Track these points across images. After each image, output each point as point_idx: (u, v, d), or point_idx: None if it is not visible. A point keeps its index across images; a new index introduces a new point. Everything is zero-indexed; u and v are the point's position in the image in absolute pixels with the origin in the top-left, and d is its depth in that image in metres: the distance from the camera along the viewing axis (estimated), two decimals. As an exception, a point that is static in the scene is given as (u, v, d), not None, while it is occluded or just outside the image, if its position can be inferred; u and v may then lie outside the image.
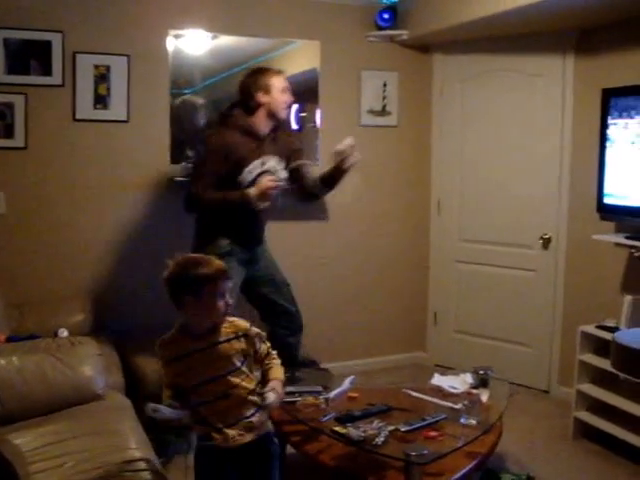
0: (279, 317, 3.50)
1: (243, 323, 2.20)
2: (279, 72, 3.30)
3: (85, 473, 2.20)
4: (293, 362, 3.34)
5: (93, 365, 2.84)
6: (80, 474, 2.20)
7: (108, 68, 3.67)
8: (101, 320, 3.67)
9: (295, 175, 3.45)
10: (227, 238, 3.23)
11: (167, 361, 2.14)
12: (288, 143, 3.47)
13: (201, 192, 3.15)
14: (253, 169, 3.20)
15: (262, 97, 3.20)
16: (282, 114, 3.28)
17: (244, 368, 2.16)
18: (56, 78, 3.57)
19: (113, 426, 2.57)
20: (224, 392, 2.11)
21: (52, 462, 2.27)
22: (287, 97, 3.26)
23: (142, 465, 2.28)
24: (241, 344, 2.15)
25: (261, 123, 3.24)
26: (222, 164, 3.14)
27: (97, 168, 3.76)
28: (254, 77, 3.24)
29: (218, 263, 2.14)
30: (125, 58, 3.70)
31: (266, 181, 3.15)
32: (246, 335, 2.17)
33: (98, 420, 2.60)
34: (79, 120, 3.67)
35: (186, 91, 3.93)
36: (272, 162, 3.28)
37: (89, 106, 3.67)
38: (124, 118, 3.76)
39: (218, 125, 3.30)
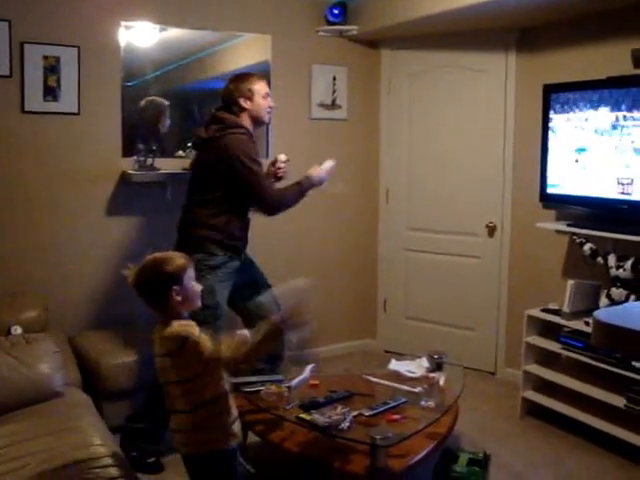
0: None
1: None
2: (261, 78, 3.28)
3: (49, 473, 2.08)
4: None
5: (50, 362, 2.71)
6: (44, 475, 2.08)
7: (58, 59, 3.47)
8: (54, 316, 3.50)
9: None
10: (221, 248, 3.06)
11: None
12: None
13: (275, 193, 3.11)
14: None
15: (245, 103, 3.13)
16: (265, 118, 3.23)
17: None
18: (3, 68, 3.35)
19: (75, 423, 2.46)
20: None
21: (13, 464, 2.14)
22: (269, 102, 3.22)
23: (109, 461, 2.18)
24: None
25: (249, 127, 3.17)
26: (259, 163, 3.09)
27: (47, 161, 3.57)
28: (236, 83, 3.17)
29: (179, 253, 2.18)
30: (75, 49, 3.51)
31: (320, 167, 3.24)
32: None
33: (59, 418, 2.48)
34: (28, 112, 3.47)
35: (135, 82, 3.78)
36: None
37: (38, 98, 3.46)
38: (75, 110, 3.58)
39: (232, 130, 3.07)
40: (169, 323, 2.02)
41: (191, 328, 2.01)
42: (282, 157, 3.35)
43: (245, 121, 3.15)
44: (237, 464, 2.18)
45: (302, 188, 3.18)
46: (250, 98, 3.14)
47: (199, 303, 2.14)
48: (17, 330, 3.04)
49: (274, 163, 3.35)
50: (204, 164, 3.14)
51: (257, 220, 3.39)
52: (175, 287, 2.04)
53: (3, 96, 3.42)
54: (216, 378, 2.06)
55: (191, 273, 2.11)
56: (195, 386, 2.01)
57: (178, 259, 2.11)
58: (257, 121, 3.20)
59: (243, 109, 3.14)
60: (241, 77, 3.22)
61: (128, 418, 3.01)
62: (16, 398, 2.52)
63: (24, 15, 3.40)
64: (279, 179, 3.34)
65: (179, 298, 2.04)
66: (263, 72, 4.14)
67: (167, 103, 3.87)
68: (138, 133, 3.79)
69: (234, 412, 2.15)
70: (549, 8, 3.45)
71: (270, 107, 3.23)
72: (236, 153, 3.00)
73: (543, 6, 3.42)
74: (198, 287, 2.13)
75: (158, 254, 2.14)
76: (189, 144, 3.82)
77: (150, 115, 3.85)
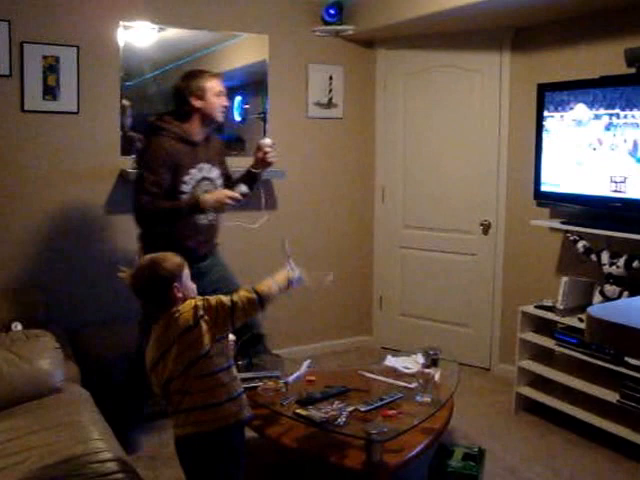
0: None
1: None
2: (214, 75, 3.08)
3: (49, 468, 2.09)
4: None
5: (50, 358, 2.72)
6: (44, 469, 2.09)
7: (57, 59, 3.48)
8: (54, 313, 3.52)
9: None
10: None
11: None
12: (219, 145, 3.27)
13: (149, 203, 2.89)
14: (191, 178, 3.00)
15: (196, 102, 2.97)
16: (218, 118, 3.06)
17: None
18: (3, 68, 3.37)
19: (74, 418, 2.47)
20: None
21: (13, 458, 2.16)
22: (223, 100, 3.04)
23: (107, 455, 2.19)
24: None
25: (196, 129, 3.01)
26: (163, 173, 2.90)
27: (47, 159, 3.58)
28: (187, 81, 3.00)
29: (171, 253, 2.20)
30: (74, 49, 3.52)
31: (225, 192, 2.99)
32: None
33: (58, 413, 2.49)
34: (28, 111, 3.48)
35: (134, 82, 3.79)
36: (206, 168, 3.08)
37: (38, 97, 3.48)
38: (74, 109, 3.59)
39: (152, 134, 2.99)
40: (175, 310, 2.06)
41: (194, 300, 2.09)
42: (267, 141, 3.17)
43: (192, 122, 3.00)
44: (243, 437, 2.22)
45: (183, 208, 2.96)
46: (201, 97, 2.97)
47: (193, 295, 2.16)
48: (17, 326, 3.06)
49: (259, 148, 3.16)
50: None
51: (252, 217, 3.40)
52: (176, 284, 2.08)
53: (3, 95, 3.43)
54: (226, 346, 2.13)
55: (187, 271, 2.16)
56: (211, 355, 2.04)
57: (175, 258, 2.15)
58: (209, 120, 3.04)
59: (194, 108, 2.98)
60: (192, 74, 3.05)
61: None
62: (16, 394, 2.53)
63: (24, 15, 3.41)
64: (268, 164, 3.18)
65: (180, 295, 2.09)
66: (259, 71, 4.18)
67: (128, 103, 3.78)
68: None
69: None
70: (543, 8, 3.47)
71: (223, 106, 3.06)
72: (142, 156, 3.00)
73: (537, 6, 3.43)
74: (193, 286, 2.17)
75: (154, 255, 2.18)
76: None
77: None
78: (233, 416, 2.08)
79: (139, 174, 2.97)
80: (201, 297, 2.12)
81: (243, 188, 3.09)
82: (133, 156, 3.72)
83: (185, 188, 2.97)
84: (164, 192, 2.92)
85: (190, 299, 2.10)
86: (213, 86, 3.01)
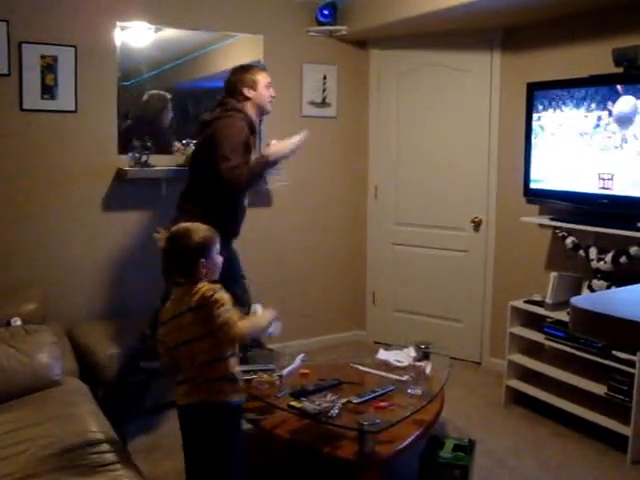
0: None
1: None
2: (263, 69, 3.32)
3: (48, 459, 2.12)
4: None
5: (49, 352, 2.74)
6: (43, 459, 2.11)
7: (55, 58, 3.49)
8: (51, 308, 3.53)
9: None
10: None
11: None
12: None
13: (239, 172, 2.92)
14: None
15: (249, 92, 3.17)
16: (268, 107, 3.27)
17: None
18: (1, 67, 3.37)
19: (72, 410, 2.49)
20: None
21: (14, 449, 2.18)
22: (271, 91, 3.25)
23: (106, 447, 2.21)
24: None
25: (253, 116, 3.20)
26: (241, 147, 2.99)
27: (45, 158, 3.59)
28: (240, 74, 3.21)
29: (206, 225, 2.22)
30: (72, 49, 3.53)
31: (280, 143, 3.10)
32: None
33: (57, 406, 2.51)
34: (26, 110, 3.49)
35: (131, 82, 3.80)
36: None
37: (36, 96, 3.49)
38: (72, 108, 3.60)
39: (228, 113, 3.07)
40: (195, 285, 2.10)
41: (218, 289, 2.11)
42: (274, 142, 3.21)
43: (249, 110, 3.18)
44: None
45: (261, 167, 3.05)
46: (253, 87, 3.18)
47: (217, 276, 2.23)
48: (17, 322, 3.07)
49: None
50: (197, 146, 3.26)
51: (248, 214, 3.43)
52: (202, 260, 2.14)
53: (2, 94, 3.44)
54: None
55: (217, 246, 2.21)
56: (217, 339, 2.09)
57: (206, 231, 2.19)
58: (260, 109, 3.25)
59: (247, 98, 3.17)
60: (244, 68, 3.27)
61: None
62: (16, 387, 2.55)
63: (22, 15, 3.42)
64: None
65: (204, 270, 2.14)
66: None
67: (169, 96, 3.89)
68: (135, 129, 3.81)
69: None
70: (533, 9, 3.49)
71: (272, 96, 3.26)
72: (220, 132, 2.98)
73: (527, 7, 3.46)
74: (220, 260, 2.23)
75: (189, 224, 2.22)
76: (183, 141, 3.85)
77: (153, 108, 3.88)
78: (225, 394, 2.13)
79: (223, 148, 2.93)
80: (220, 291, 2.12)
81: (275, 142, 3.15)
82: (130, 154, 3.74)
83: None
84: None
85: (213, 284, 2.13)
86: (264, 78, 3.22)
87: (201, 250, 2.15)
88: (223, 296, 2.09)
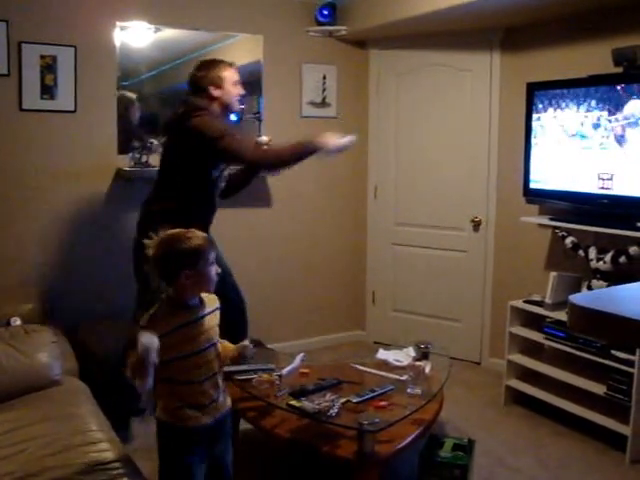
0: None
1: (215, 297, 2.14)
2: (230, 64, 3.10)
3: (48, 457, 2.12)
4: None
5: (49, 352, 2.74)
6: (43, 458, 2.11)
7: (54, 58, 3.50)
8: (51, 308, 3.53)
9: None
10: (180, 224, 2.97)
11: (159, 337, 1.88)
12: None
13: (262, 150, 2.91)
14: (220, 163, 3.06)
15: (214, 91, 3.00)
16: (235, 106, 3.10)
17: (218, 344, 2.11)
18: (1, 67, 3.38)
19: (72, 410, 2.49)
20: (199, 365, 2.02)
21: (13, 449, 2.17)
22: (239, 89, 3.09)
23: (105, 446, 2.21)
24: (217, 318, 2.11)
25: (217, 115, 3.06)
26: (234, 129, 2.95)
27: (44, 158, 3.60)
28: (205, 71, 3.02)
29: (202, 233, 2.06)
30: (72, 49, 3.54)
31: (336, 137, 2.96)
32: (219, 309, 2.14)
33: (57, 405, 2.51)
34: (25, 110, 3.50)
35: (131, 82, 3.81)
36: None
37: (36, 96, 3.49)
38: (71, 108, 3.61)
39: (197, 112, 2.94)
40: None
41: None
42: (264, 139, 3.16)
43: (214, 109, 3.03)
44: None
45: (304, 150, 2.94)
46: (220, 86, 3.00)
47: (212, 289, 2.08)
48: (16, 321, 3.08)
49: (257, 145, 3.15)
50: (166, 146, 3.15)
51: (248, 214, 3.45)
52: (187, 271, 1.96)
53: (1, 94, 3.45)
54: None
55: (210, 256, 2.01)
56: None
57: (197, 240, 2.00)
58: (227, 109, 3.08)
59: (213, 97, 3.00)
60: (210, 64, 3.06)
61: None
62: (16, 386, 2.55)
63: (22, 15, 3.43)
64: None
65: (188, 282, 1.97)
66: (254, 71, 4.20)
67: (135, 96, 3.82)
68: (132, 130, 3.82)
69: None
70: (533, 9, 3.50)
71: (240, 95, 3.10)
72: (201, 130, 2.89)
73: (527, 6, 3.47)
74: (216, 271, 2.04)
75: (181, 229, 2.05)
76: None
77: (120, 109, 3.78)
78: (182, 420, 2.03)
79: (220, 136, 2.86)
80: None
81: (264, 138, 3.12)
82: (130, 154, 3.75)
83: (215, 173, 3.03)
84: (198, 173, 2.95)
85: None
86: (230, 75, 3.04)
87: (185, 259, 1.96)
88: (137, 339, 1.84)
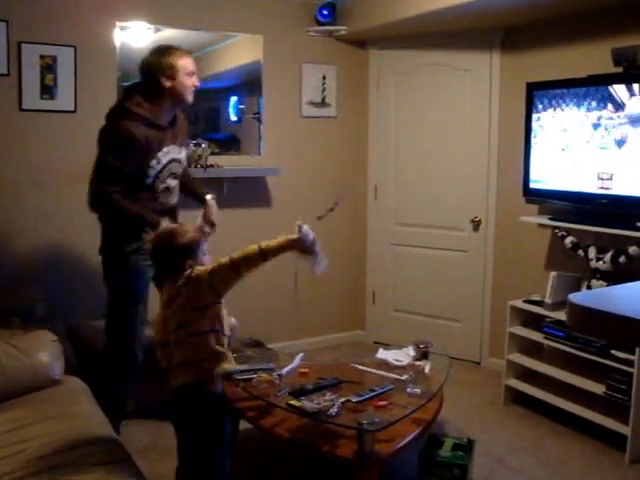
0: None
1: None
2: (186, 52, 2.90)
3: (48, 456, 2.12)
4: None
5: (49, 351, 2.74)
6: (43, 458, 2.12)
7: (54, 58, 3.51)
8: (51, 308, 3.54)
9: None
10: (135, 237, 2.70)
11: None
12: (185, 125, 3.12)
13: (110, 195, 2.75)
14: (158, 162, 2.87)
15: (167, 82, 2.79)
16: (189, 98, 2.89)
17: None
18: (1, 67, 3.39)
19: (72, 409, 2.49)
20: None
21: (14, 448, 2.18)
22: (194, 80, 2.87)
23: (105, 445, 2.22)
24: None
25: (165, 109, 2.86)
26: (127, 159, 2.74)
27: (44, 158, 3.61)
28: (158, 58, 2.80)
29: (192, 227, 2.31)
30: (72, 49, 3.55)
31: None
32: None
33: (57, 404, 2.51)
34: (25, 110, 3.51)
35: (131, 83, 3.81)
36: (174, 150, 2.96)
37: (36, 96, 3.50)
38: (71, 108, 3.62)
39: (118, 116, 2.79)
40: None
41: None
42: (207, 230, 2.97)
43: (164, 105, 2.85)
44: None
45: (138, 218, 2.76)
46: (172, 76, 2.80)
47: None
48: (17, 321, 3.08)
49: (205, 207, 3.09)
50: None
51: (248, 214, 3.45)
52: (189, 261, 2.16)
53: (1, 94, 3.46)
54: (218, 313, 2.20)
55: (204, 247, 2.23)
56: (207, 313, 2.16)
57: (192, 233, 2.22)
58: (179, 101, 2.89)
59: (164, 88, 2.81)
60: (163, 50, 2.84)
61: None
62: (16, 386, 2.55)
63: (22, 15, 3.44)
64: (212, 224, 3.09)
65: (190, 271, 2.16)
66: (254, 71, 4.20)
67: None
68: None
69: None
70: (532, 9, 3.51)
71: (195, 86, 2.90)
72: (106, 140, 2.79)
73: (527, 6, 3.47)
74: (207, 259, 2.23)
75: (175, 225, 2.27)
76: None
77: None
78: (209, 373, 2.18)
79: (102, 157, 2.78)
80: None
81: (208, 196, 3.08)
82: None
83: (151, 172, 2.85)
84: (128, 178, 2.79)
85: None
86: (185, 65, 2.83)
87: (186, 252, 2.17)
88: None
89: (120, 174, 2.76)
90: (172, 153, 2.93)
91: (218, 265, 2.14)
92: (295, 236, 2.26)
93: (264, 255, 2.18)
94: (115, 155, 2.75)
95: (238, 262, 2.14)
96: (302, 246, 2.27)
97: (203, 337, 2.17)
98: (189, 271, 2.14)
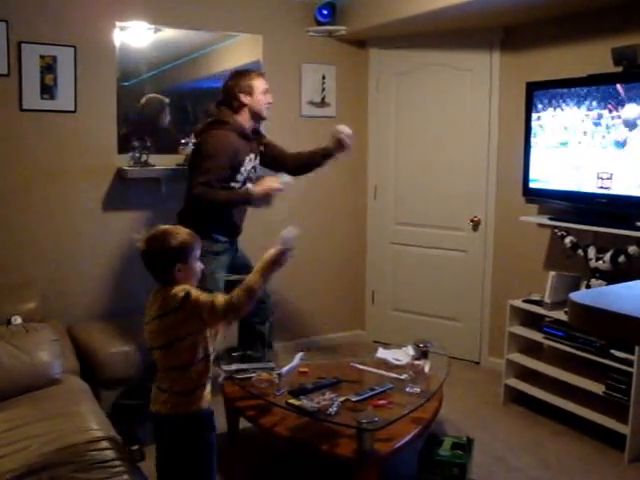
0: None
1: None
2: (260, 74, 3.33)
3: (48, 455, 2.14)
4: (264, 345, 3.43)
5: (49, 350, 2.76)
6: (43, 456, 2.13)
7: (54, 58, 3.51)
8: (52, 307, 3.54)
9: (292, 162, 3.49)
10: (220, 233, 3.21)
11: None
12: (260, 138, 3.44)
13: (208, 194, 3.05)
14: (244, 169, 3.22)
15: (245, 98, 3.20)
16: (264, 114, 3.29)
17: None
18: (1, 67, 3.39)
19: (73, 408, 2.51)
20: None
21: (14, 446, 2.20)
22: (268, 97, 3.28)
23: (106, 444, 2.22)
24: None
25: (247, 123, 3.24)
26: (226, 165, 3.10)
27: (44, 158, 3.61)
28: (237, 79, 3.23)
29: (188, 230, 2.16)
30: (72, 49, 3.55)
31: (270, 182, 3.15)
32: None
33: (58, 403, 2.53)
34: (26, 110, 3.51)
35: (131, 82, 3.82)
36: (253, 159, 3.30)
37: (36, 96, 3.50)
38: (71, 108, 3.62)
39: (216, 126, 3.17)
40: (171, 288, 2.04)
41: (190, 288, 2.05)
42: (287, 179, 3.23)
43: (243, 116, 3.22)
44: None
45: (236, 200, 3.23)
46: (250, 94, 3.21)
47: (196, 283, 2.15)
48: (17, 320, 3.09)
49: (336, 134, 3.38)
50: (191, 154, 3.33)
51: (250, 215, 3.45)
52: (179, 264, 2.06)
53: (1, 94, 3.46)
54: (209, 335, 2.09)
55: (197, 252, 2.14)
56: (190, 343, 2.03)
57: (185, 235, 2.12)
58: (256, 116, 3.27)
59: (243, 104, 3.21)
60: (241, 73, 3.29)
61: (121, 395, 3.06)
62: (16, 385, 2.57)
63: (21, 15, 3.44)
64: (344, 148, 3.38)
65: (181, 274, 2.07)
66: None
67: (167, 100, 3.94)
68: (135, 130, 3.83)
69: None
70: (532, 8, 3.51)
71: (269, 103, 3.29)
72: (207, 148, 3.10)
73: (526, 6, 3.48)
74: (199, 266, 2.15)
75: (169, 226, 2.15)
76: (182, 141, 3.87)
77: (151, 111, 3.91)
78: (194, 404, 2.06)
79: (203, 164, 3.06)
80: (194, 291, 2.05)
81: (286, 178, 3.23)
82: (130, 154, 3.75)
83: (240, 177, 3.20)
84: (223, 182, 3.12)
85: (185, 285, 2.05)
86: (260, 84, 3.24)
87: (177, 254, 2.07)
88: (198, 291, 2.04)
89: (218, 179, 3.07)
90: (253, 161, 3.31)
91: (213, 303, 2.00)
92: (272, 253, 2.14)
93: (251, 291, 2.04)
94: (216, 162, 3.07)
95: (229, 307, 2.01)
96: (283, 260, 2.17)
97: (181, 371, 2.04)
98: (183, 293, 2.00)
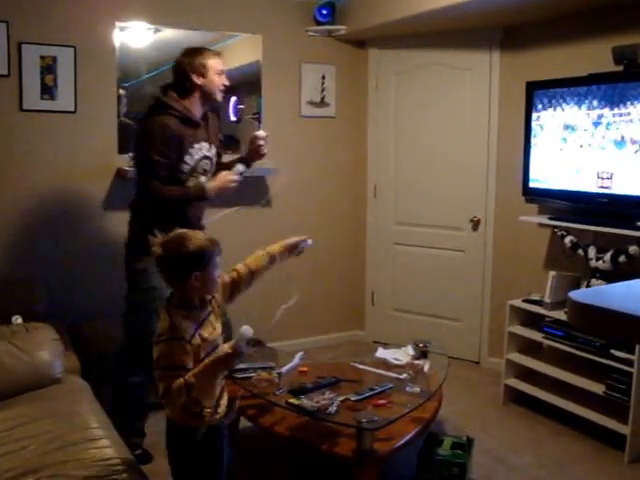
0: None
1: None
2: (216, 53, 3.03)
3: (49, 454, 2.13)
4: None
5: (50, 350, 2.76)
6: (43, 455, 2.13)
7: (54, 59, 3.52)
8: (52, 306, 3.54)
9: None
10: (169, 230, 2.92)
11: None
12: (216, 123, 3.21)
13: (159, 188, 2.86)
14: (191, 158, 2.96)
15: (197, 79, 2.92)
16: (218, 97, 3.01)
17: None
18: (1, 68, 3.41)
19: (73, 408, 2.51)
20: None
21: (14, 445, 2.20)
22: (223, 79, 3.00)
23: (106, 442, 2.23)
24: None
25: (196, 106, 2.97)
26: (170, 154, 2.86)
27: (44, 158, 3.63)
28: (190, 57, 2.94)
29: (209, 236, 2.05)
30: (72, 49, 3.57)
31: (224, 175, 2.98)
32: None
33: (58, 403, 2.53)
34: (26, 110, 3.52)
35: (131, 82, 3.82)
36: (205, 147, 3.05)
37: (36, 96, 3.52)
38: (71, 109, 3.63)
39: (155, 111, 2.92)
40: (174, 310, 1.95)
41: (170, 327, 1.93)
42: (262, 134, 3.10)
43: (192, 100, 2.96)
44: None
45: (190, 196, 2.97)
46: (203, 74, 2.93)
47: (214, 292, 2.07)
48: (18, 319, 3.10)
49: (253, 140, 3.11)
50: (135, 139, 3.09)
51: (248, 214, 3.46)
52: (197, 273, 1.93)
53: (2, 95, 3.48)
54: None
55: (217, 259, 2.00)
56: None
57: (205, 241, 1.98)
58: (209, 98, 3.00)
59: (195, 85, 2.93)
60: (195, 51, 2.99)
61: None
62: (17, 384, 2.57)
63: (21, 16, 3.45)
64: (261, 156, 3.14)
65: (197, 284, 1.95)
66: (253, 71, 4.21)
67: (123, 92, 3.82)
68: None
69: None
70: (532, 7, 3.51)
71: (224, 85, 3.02)
72: (147, 136, 2.88)
73: (526, 5, 3.48)
74: (217, 277, 2.04)
75: (187, 230, 2.03)
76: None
77: None
78: (197, 419, 2.00)
79: (146, 155, 2.87)
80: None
81: (240, 167, 3.06)
82: (130, 154, 3.75)
83: (185, 168, 2.95)
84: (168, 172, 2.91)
85: (167, 323, 1.93)
86: (215, 64, 2.97)
87: (195, 261, 1.93)
88: (166, 348, 1.88)
89: (166, 169, 2.87)
90: (203, 150, 3.02)
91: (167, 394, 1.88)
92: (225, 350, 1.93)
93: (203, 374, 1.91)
94: (159, 152, 2.84)
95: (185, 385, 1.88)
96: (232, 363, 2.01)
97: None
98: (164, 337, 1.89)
